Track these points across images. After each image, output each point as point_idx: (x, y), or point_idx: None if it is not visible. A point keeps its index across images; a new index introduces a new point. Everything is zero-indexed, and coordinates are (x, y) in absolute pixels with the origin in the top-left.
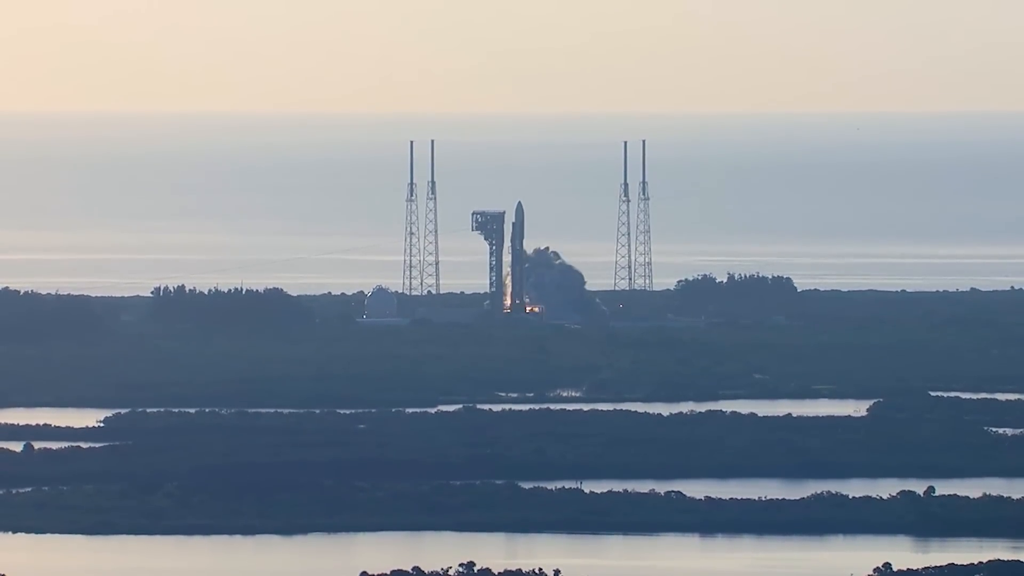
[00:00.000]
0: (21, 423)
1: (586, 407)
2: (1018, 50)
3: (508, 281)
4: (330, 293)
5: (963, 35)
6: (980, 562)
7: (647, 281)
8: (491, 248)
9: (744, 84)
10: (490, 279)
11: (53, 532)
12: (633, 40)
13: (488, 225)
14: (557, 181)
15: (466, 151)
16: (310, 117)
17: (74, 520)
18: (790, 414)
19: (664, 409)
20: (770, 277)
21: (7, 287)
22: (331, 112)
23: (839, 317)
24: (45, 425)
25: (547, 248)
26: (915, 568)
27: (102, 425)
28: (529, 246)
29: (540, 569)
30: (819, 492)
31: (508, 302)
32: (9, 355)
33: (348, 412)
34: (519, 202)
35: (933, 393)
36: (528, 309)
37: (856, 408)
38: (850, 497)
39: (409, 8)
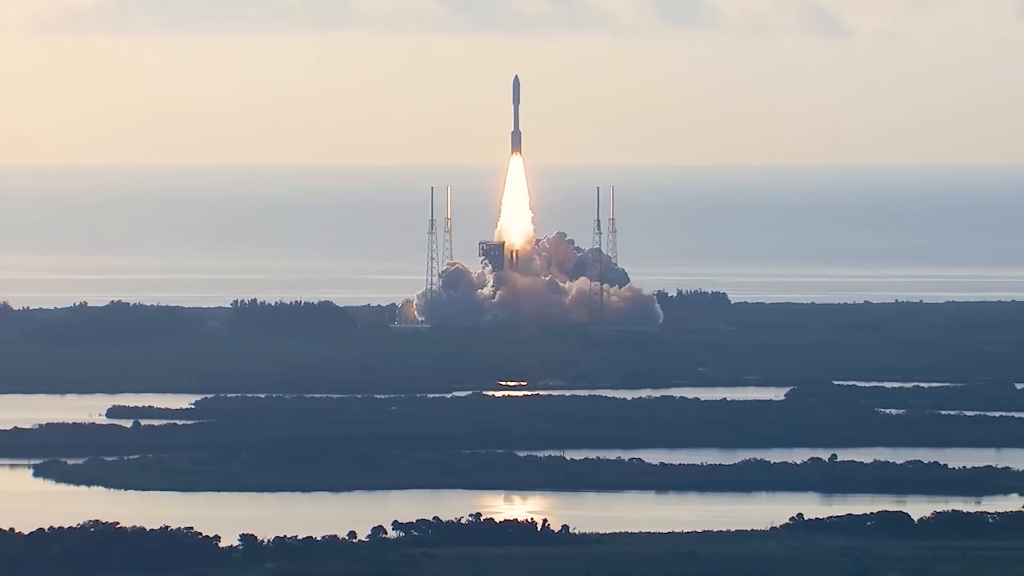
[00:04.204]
0: (131, 405)
1: (567, 393)
2: (912, 113)
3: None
4: (368, 305)
5: (875, 99)
6: (871, 512)
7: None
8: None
9: (692, 141)
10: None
11: (155, 490)
12: (607, 103)
13: (491, 252)
14: (544, 218)
15: (475, 195)
16: (352, 168)
17: (171, 480)
18: (725, 398)
19: (628, 395)
20: (710, 292)
21: (120, 300)
22: (368, 164)
23: (763, 323)
24: (149, 407)
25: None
26: (822, 517)
27: (193, 407)
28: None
29: (532, 518)
30: (747, 459)
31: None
32: (121, 353)
33: (383, 397)
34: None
35: (835, 382)
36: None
37: (776, 394)
38: (771, 463)
39: (429, 79)
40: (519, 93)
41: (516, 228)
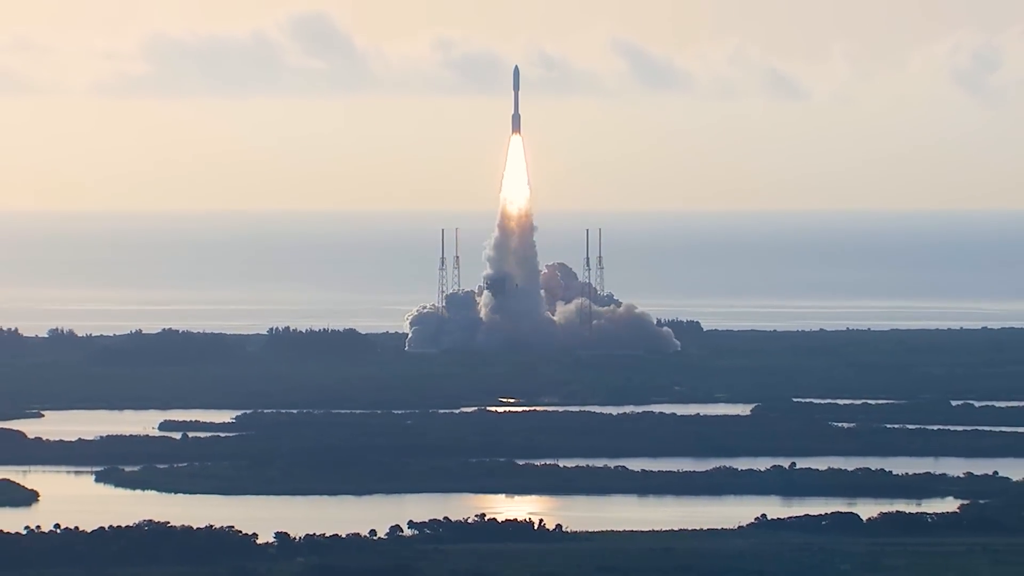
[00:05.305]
0: (180, 419)
1: (561, 409)
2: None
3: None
4: (387, 332)
5: (829, 153)
6: (826, 512)
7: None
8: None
9: (669, 189)
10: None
11: (201, 493)
12: (596, 156)
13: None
14: (540, 254)
15: (480, 235)
16: (371, 212)
17: (215, 485)
18: (698, 413)
19: (614, 410)
20: (685, 320)
21: (171, 328)
22: (385, 209)
23: (731, 348)
24: (196, 421)
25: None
26: (782, 517)
27: (234, 421)
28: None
29: (530, 518)
30: (717, 466)
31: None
32: (172, 374)
33: (399, 412)
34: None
35: (794, 399)
36: None
37: (742, 409)
38: (738, 469)
39: (439, 134)
40: (519, 81)
41: (516, 198)
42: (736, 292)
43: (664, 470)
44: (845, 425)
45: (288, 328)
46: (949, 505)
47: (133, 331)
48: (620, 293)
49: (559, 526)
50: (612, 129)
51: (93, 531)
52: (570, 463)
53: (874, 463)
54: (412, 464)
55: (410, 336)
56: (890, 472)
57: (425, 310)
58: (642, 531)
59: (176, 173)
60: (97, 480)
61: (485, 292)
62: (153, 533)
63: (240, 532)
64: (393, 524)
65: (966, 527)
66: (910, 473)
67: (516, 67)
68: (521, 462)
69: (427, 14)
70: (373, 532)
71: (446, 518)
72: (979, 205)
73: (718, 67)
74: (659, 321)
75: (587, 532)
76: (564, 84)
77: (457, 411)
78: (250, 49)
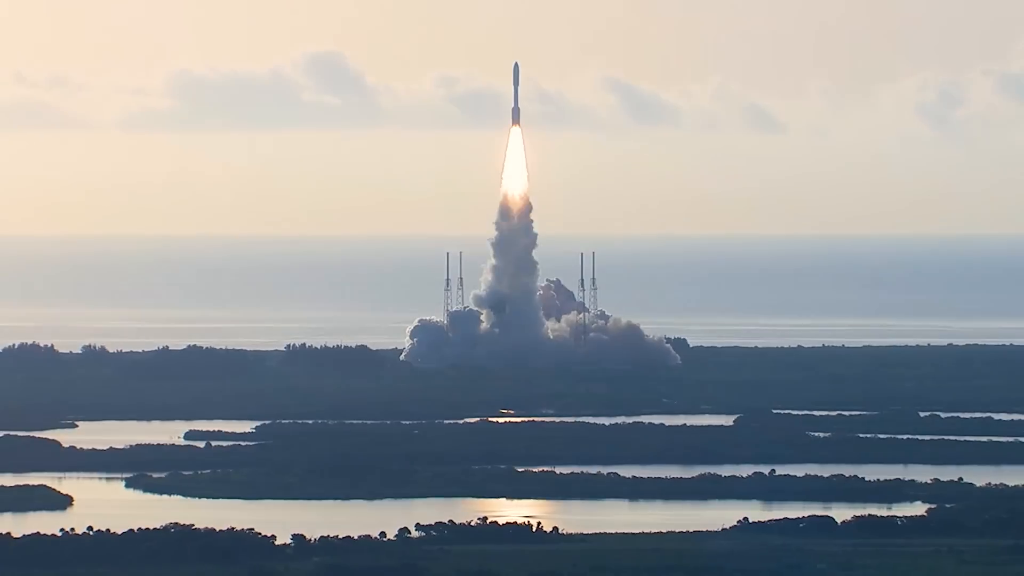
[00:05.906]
0: (203, 429)
1: (558, 419)
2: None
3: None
4: (396, 348)
5: (804, 181)
6: (803, 516)
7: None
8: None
9: (658, 215)
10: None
11: (223, 498)
12: (589, 184)
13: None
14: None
15: (482, 257)
16: (380, 237)
17: (236, 491)
18: (685, 424)
19: (606, 421)
20: (672, 337)
21: (195, 344)
22: (394, 233)
23: (716, 363)
24: (219, 431)
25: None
26: (763, 520)
27: (254, 431)
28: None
29: (528, 521)
30: (703, 473)
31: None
32: (197, 387)
33: (408, 423)
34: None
35: (774, 411)
36: None
37: (726, 420)
38: (722, 476)
39: (444, 164)
40: (518, 76)
41: (515, 184)
42: (720, 311)
43: (653, 476)
44: (821, 434)
45: (304, 344)
46: (917, 509)
47: (160, 347)
48: (612, 312)
49: (556, 528)
50: (605, 159)
51: (123, 533)
52: (566, 470)
53: (848, 470)
54: (419, 471)
55: (412, 347)
56: (863, 478)
57: (428, 322)
58: (633, 533)
59: (199, 201)
60: (127, 486)
61: (485, 310)
62: (179, 535)
63: (259, 534)
64: (401, 527)
65: (933, 530)
66: (881, 479)
67: (516, 64)
68: (520, 469)
69: (432, 54)
70: (383, 534)
71: (451, 521)
72: (944, 231)
73: (702, 103)
74: (648, 337)
75: (582, 534)
76: (560, 118)
77: (461, 421)
78: (268, 86)
